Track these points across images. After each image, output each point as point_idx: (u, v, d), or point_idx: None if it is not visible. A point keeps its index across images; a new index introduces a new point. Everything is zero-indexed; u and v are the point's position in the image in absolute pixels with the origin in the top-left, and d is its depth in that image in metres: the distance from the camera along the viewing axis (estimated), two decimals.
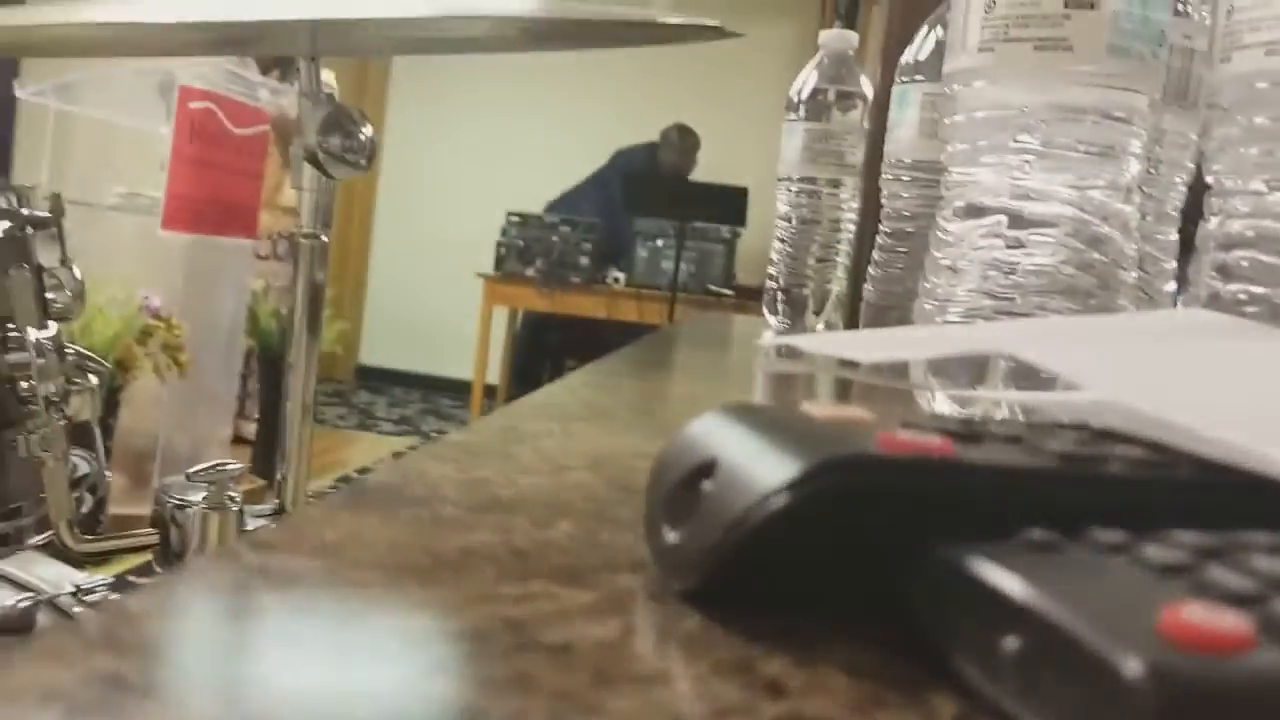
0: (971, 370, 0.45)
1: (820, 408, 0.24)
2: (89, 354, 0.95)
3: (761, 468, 0.21)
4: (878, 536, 0.21)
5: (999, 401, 0.42)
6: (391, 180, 6.28)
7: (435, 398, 6.24)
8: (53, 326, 0.92)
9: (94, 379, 0.96)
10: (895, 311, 0.83)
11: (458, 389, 5.91)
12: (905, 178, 0.85)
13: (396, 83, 6.37)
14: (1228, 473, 0.22)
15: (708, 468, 0.23)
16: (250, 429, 4.20)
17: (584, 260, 4.97)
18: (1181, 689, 0.15)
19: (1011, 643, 0.17)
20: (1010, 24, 0.50)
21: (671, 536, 0.23)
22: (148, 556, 0.98)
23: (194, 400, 3.57)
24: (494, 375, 5.45)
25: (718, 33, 0.91)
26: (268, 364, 4.00)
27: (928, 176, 0.83)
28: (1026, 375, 0.44)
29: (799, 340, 0.32)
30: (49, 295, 0.94)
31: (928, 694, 0.18)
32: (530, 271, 4.98)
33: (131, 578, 2.80)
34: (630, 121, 5.91)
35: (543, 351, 5.69)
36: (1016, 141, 0.50)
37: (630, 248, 5.06)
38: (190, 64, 3.32)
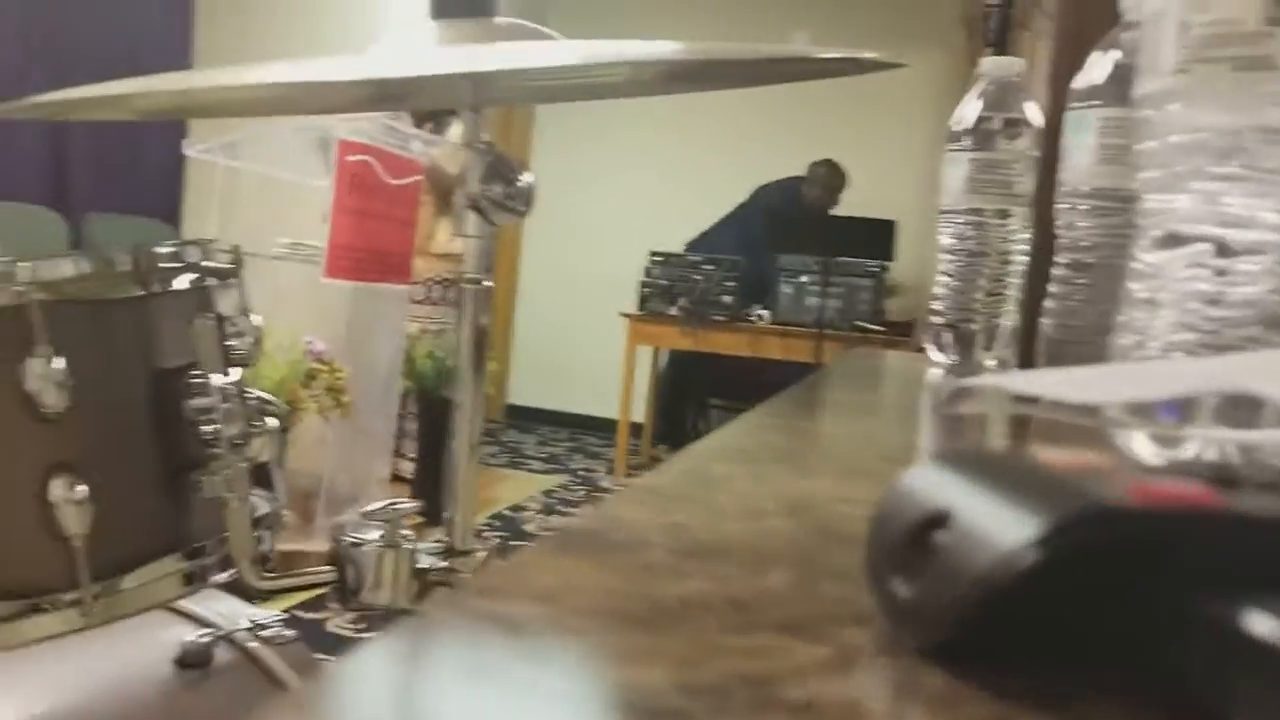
0: (1175, 408, 0.43)
1: (1055, 453, 0.23)
2: (268, 397, 0.98)
3: (1005, 520, 0.20)
4: (1133, 590, 0.20)
5: (1214, 441, 0.40)
6: (536, 223, 6.39)
7: (582, 436, 6.31)
8: (234, 372, 0.96)
9: (272, 421, 1.00)
10: (1076, 347, 0.80)
11: (603, 427, 5.97)
12: (1083, 206, 0.82)
13: (540, 127, 6.52)
14: None
15: (940, 519, 0.22)
16: (407, 467, 4.32)
17: (727, 298, 4.96)
18: None
19: None
20: (1208, 44, 0.48)
21: (903, 590, 0.22)
22: (315, 592, 1.01)
23: (355, 440, 3.69)
24: (639, 413, 5.48)
25: (876, 65, 0.90)
26: (424, 404, 4.11)
27: (1108, 204, 0.80)
28: (1238, 412, 0.41)
29: (994, 379, 0.31)
30: (230, 342, 0.98)
31: None
32: (673, 310, 5.00)
33: (301, 613, 2.89)
34: (769, 157, 5.91)
35: (687, 390, 5.71)
36: (1217, 166, 0.48)
37: (774, 284, 5.04)
38: (347, 118, 3.47)
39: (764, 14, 6.22)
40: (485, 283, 0.99)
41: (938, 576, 0.21)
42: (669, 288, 5.00)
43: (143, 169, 5.27)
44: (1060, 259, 0.83)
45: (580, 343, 6.35)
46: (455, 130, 4.31)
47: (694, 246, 5.47)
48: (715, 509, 0.32)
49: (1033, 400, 0.31)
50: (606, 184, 6.27)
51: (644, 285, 5.09)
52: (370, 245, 3.58)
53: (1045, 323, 0.83)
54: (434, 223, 4.32)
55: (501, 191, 0.96)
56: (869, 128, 6.06)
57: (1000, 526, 0.20)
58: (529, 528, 4.16)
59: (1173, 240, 0.50)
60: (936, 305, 1.03)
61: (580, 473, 5.35)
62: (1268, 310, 0.47)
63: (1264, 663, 0.17)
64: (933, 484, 0.23)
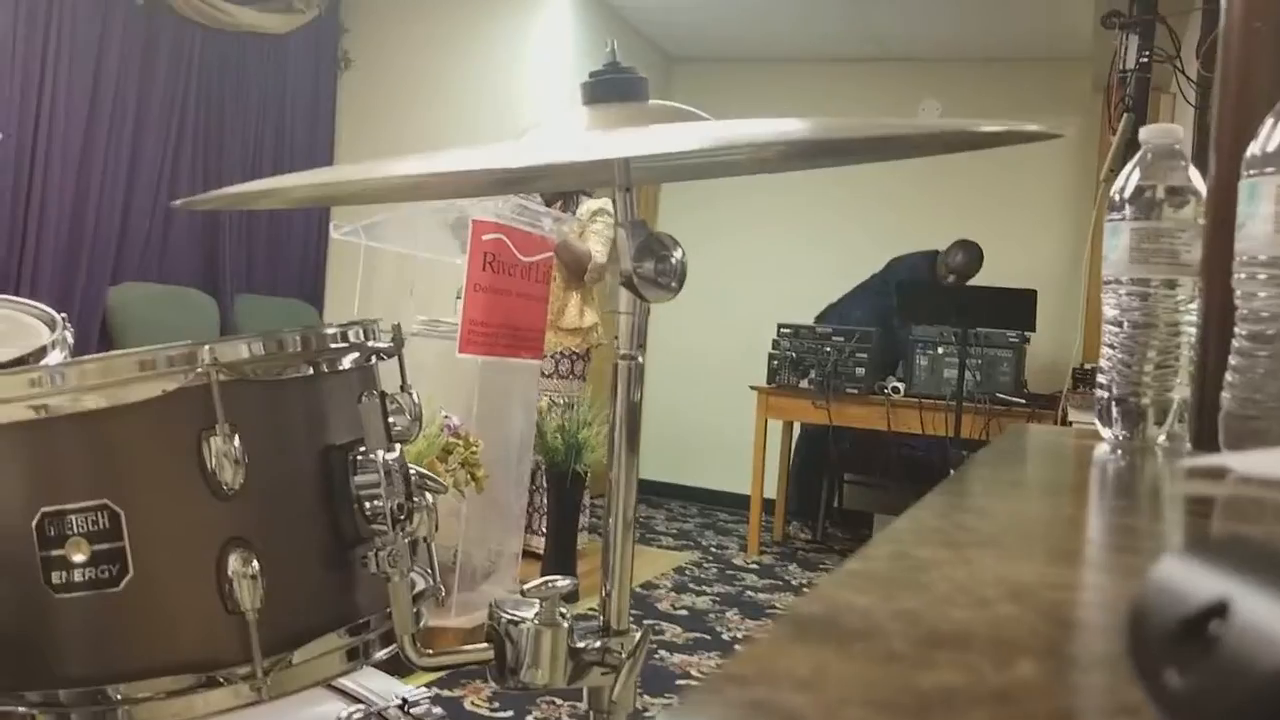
0: None
1: None
2: (428, 473, 1.00)
3: None
4: None
5: None
6: None
7: (712, 511, 6.27)
8: (397, 448, 0.98)
9: (430, 497, 1.02)
10: (1261, 422, 0.76)
11: (735, 502, 5.93)
12: (1261, 275, 0.79)
13: (665, 198, 6.60)
14: None
15: (1218, 609, 0.21)
16: (537, 543, 4.35)
17: (860, 370, 4.90)
18: None
19: None
20: None
21: (1179, 682, 0.21)
22: (453, 668, 1.01)
23: (489, 515, 3.74)
24: (771, 489, 5.42)
25: (1038, 136, 0.88)
26: (554, 479, 4.15)
27: None
28: None
29: (1226, 460, 0.30)
30: (391, 419, 1.01)
31: None
32: (805, 383, 4.96)
33: (441, 690, 2.90)
34: (901, 227, 5.87)
35: (821, 465, 5.62)
36: None
37: (909, 356, 4.96)
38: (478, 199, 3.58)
39: (894, 82, 6.22)
40: (639, 359, 1.00)
41: (1222, 669, 0.20)
42: (799, 360, 4.97)
43: (288, 252, 5.53)
44: (1240, 330, 0.80)
45: (710, 416, 6.34)
46: (585, 207, 4.40)
47: (823, 318, 5.44)
48: (938, 595, 0.32)
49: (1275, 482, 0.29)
50: (733, 255, 6.30)
51: (773, 358, 5.07)
52: (503, 321, 3.66)
53: (1226, 397, 0.80)
54: (564, 297, 4.40)
55: (654, 268, 0.97)
56: (1004, 196, 5.98)
57: None
58: (662, 605, 4.13)
59: None
60: (1102, 379, 1.00)
61: (712, 550, 5.30)
62: None
63: None
64: (1201, 573, 0.22)
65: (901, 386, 4.86)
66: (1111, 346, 1.00)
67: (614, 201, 1.01)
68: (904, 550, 0.39)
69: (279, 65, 5.39)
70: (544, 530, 4.32)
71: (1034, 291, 4.45)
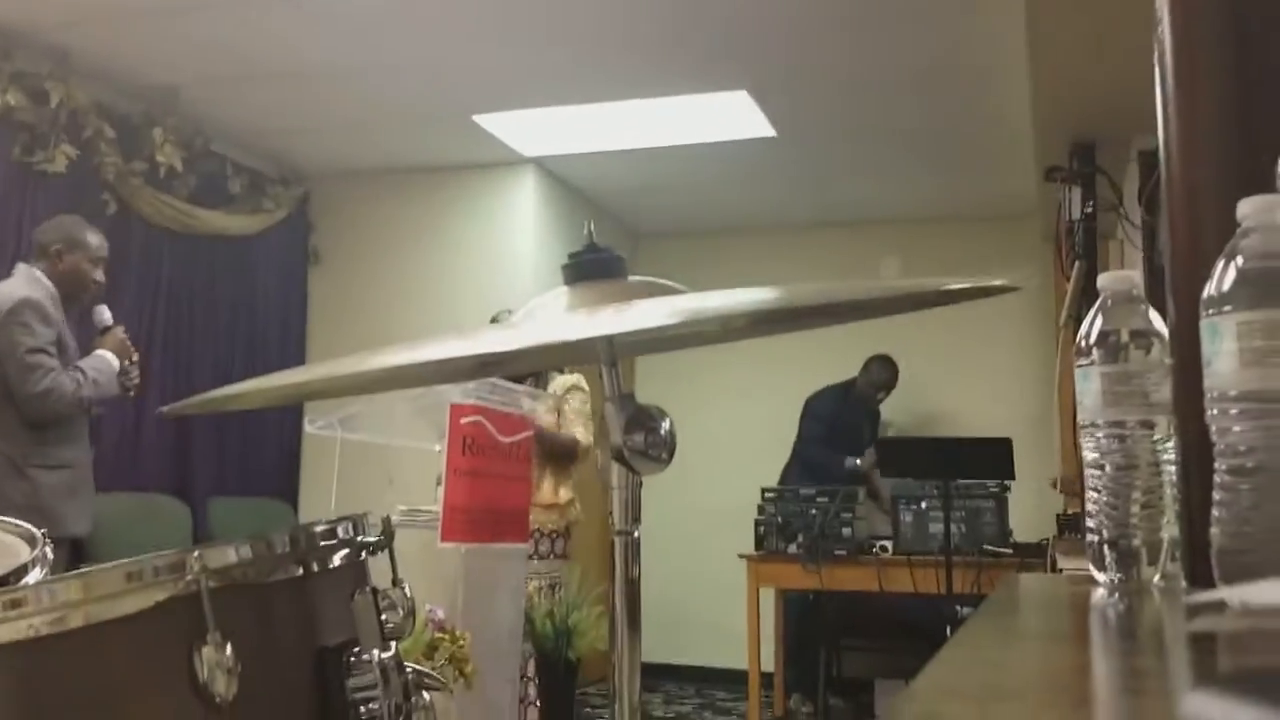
0: None
1: None
2: (425, 670, 0.98)
3: None
4: None
5: None
6: None
7: (709, 691, 6.10)
8: (392, 646, 0.96)
9: (428, 696, 0.99)
10: (1252, 554, 0.76)
11: (731, 679, 5.77)
12: (1233, 410, 0.80)
13: (641, 366, 6.65)
14: None
15: None
16: None
17: (846, 530, 4.87)
18: None
19: None
20: None
21: None
22: None
23: (478, 711, 3.61)
24: (767, 660, 5.29)
25: (1002, 289, 0.92)
26: (546, 669, 4.03)
27: (1260, 406, 0.78)
28: None
29: (1230, 594, 0.30)
30: (383, 616, 0.99)
31: None
32: (792, 548, 4.91)
33: None
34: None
35: (817, 632, 5.51)
36: None
37: (894, 512, 4.95)
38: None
39: (852, 244, 6.40)
40: (635, 534, 1.00)
41: None
42: (785, 524, 4.94)
43: (261, 450, 5.50)
44: (1220, 465, 0.81)
45: (701, 591, 6.24)
46: (557, 383, 4.43)
47: (782, 482, 5.58)
48: None
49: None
50: (711, 423, 6.32)
51: (759, 523, 5.03)
52: (485, 505, 3.62)
53: (1215, 532, 0.80)
54: (537, 475, 4.38)
55: (644, 440, 0.98)
56: (970, 350, 6.09)
57: None
58: None
59: None
60: (1091, 523, 1.01)
61: None
62: None
63: None
64: (1228, 709, 0.23)
65: (890, 544, 4.82)
66: (1096, 490, 1.01)
67: (602, 377, 1.02)
68: (930, 709, 0.39)
69: (248, 265, 5.49)
70: None
71: (1009, 440, 4.48)
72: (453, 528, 3.55)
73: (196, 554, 0.88)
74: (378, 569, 1.07)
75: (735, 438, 6.37)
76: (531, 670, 4.13)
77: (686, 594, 6.25)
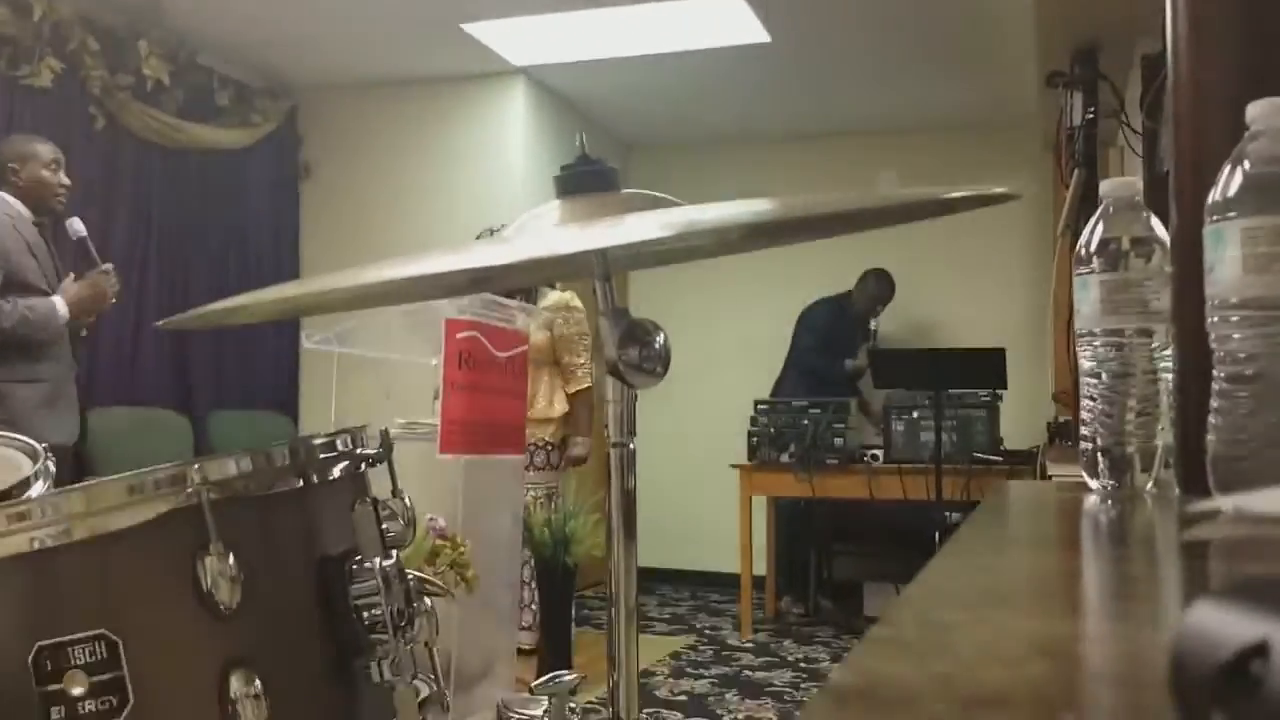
0: None
1: None
2: (426, 577, 1.00)
3: None
4: None
5: None
6: None
7: (704, 593, 6.20)
8: (393, 554, 0.97)
9: (430, 601, 1.01)
10: (1248, 462, 0.77)
11: (725, 583, 5.87)
12: (1234, 318, 0.80)
13: (635, 282, 6.63)
14: None
15: (1259, 649, 0.21)
16: (526, 638, 4.28)
17: (838, 440, 4.91)
18: None
19: None
20: None
21: None
22: None
23: (481, 615, 3.68)
24: (760, 566, 5.38)
25: (1002, 198, 0.91)
26: (544, 574, 4.10)
27: (1261, 313, 0.78)
28: None
29: (1233, 501, 0.30)
30: (384, 525, 1.00)
31: None
32: (784, 457, 4.96)
33: None
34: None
35: (808, 538, 5.61)
36: None
37: (885, 422, 4.98)
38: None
39: (849, 155, 6.34)
40: (630, 446, 1.00)
41: (1268, 708, 0.21)
42: (778, 435, 4.97)
43: (260, 364, 5.51)
44: (1219, 373, 0.81)
45: (695, 498, 6.31)
46: (548, 300, 4.42)
47: (775, 394, 5.60)
48: (967, 658, 0.32)
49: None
50: (706, 335, 6.32)
51: (752, 434, 5.07)
52: (482, 418, 3.64)
53: (1211, 440, 0.81)
54: (531, 387, 4.39)
55: (638, 355, 0.98)
56: (966, 259, 6.06)
57: None
58: (661, 693, 4.07)
59: None
60: (1085, 431, 1.01)
61: (707, 632, 5.25)
62: None
63: None
64: (1236, 615, 0.23)
65: (881, 454, 4.87)
66: (1092, 398, 1.01)
67: (595, 292, 1.01)
68: (925, 615, 0.39)
69: (240, 180, 5.44)
70: (533, 626, 4.26)
71: (1002, 350, 4.49)
72: (452, 440, 3.58)
73: (197, 466, 0.89)
74: (378, 481, 1.08)
75: (730, 351, 6.38)
76: (530, 576, 4.20)
77: (681, 502, 6.32)
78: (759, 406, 5.14)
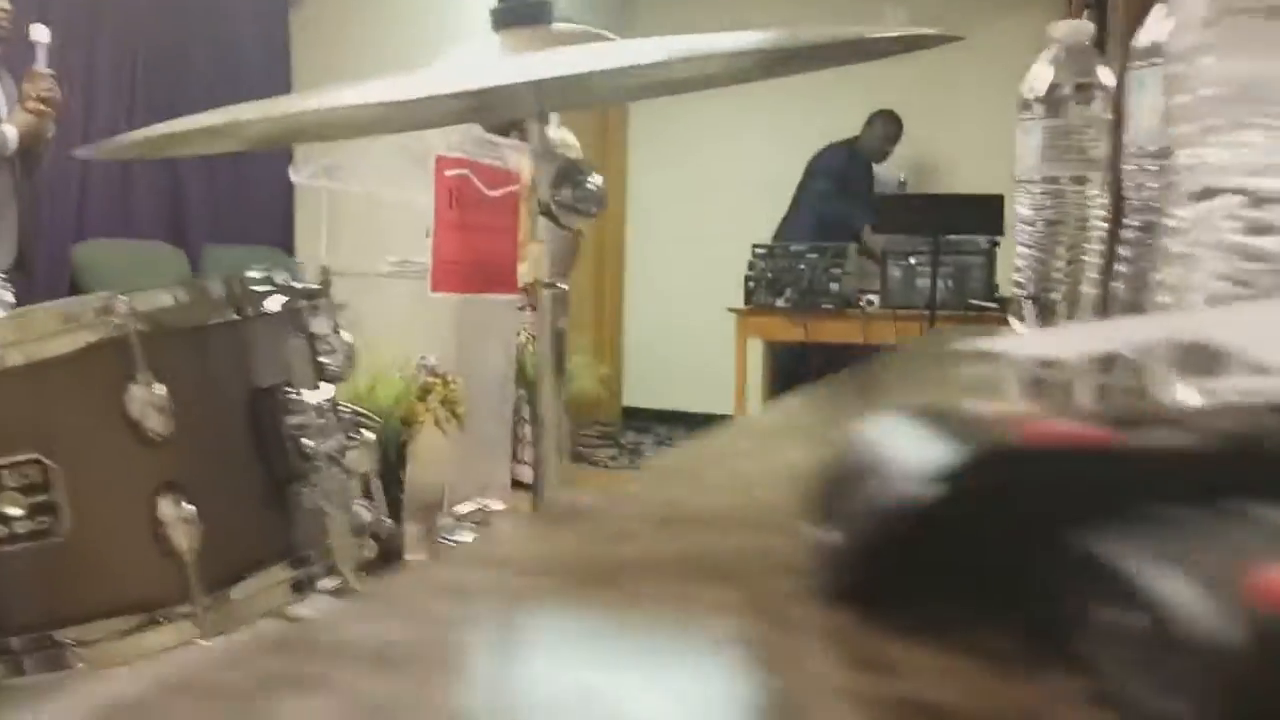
0: (1202, 360, 0.42)
1: (986, 405, 0.23)
2: (364, 412, 1.02)
3: (906, 467, 0.21)
4: (1023, 526, 0.20)
5: (1234, 390, 0.39)
6: (638, 226, 6.47)
7: (699, 434, 6.32)
8: (327, 388, 1.00)
9: (369, 434, 1.04)
10: (1151, 309, 0.78)
11: (717, 424, 5.97)
12: (1150, 166, 0.80)
13: (635, 128, 6.53)
14: None
15: (867, 469, 0.23)
16: (525, 472, 4.39)
17: (834, 286, 4.91)
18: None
19: (1120, 619, 0.17)
20: None
21: (828, 537, 0.23)
22: None
23: (473, 450, 3.77)
24: (755, 408, 5.46)
25: (938, 40, 0.89)
26: (537, 410, 4.18)
27: None
28: (1200, 362, 0.40)
29: (994, 342, 0.31)
30: (322, 360, 1.03)
31: (1048, 675, 0.18)
32: (781, 302, 4.97)
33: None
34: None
35: (802, 381, 5.66)
36: (1247, 116, 0.47)
37: (882, 268, 4.97)
38: (443, 134, 3.54)
39: None
40: (561, 286, 1.01)
41: (855, 522, 0.22)
42: (775, 279, 4.98)
43: (254, 198, 5.47)
44: (1131, 221, 0.81)
45: (690, 341, 6.35)
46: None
47: (779, 237, 5.54)
48: (710, 484, 0.34)
49: (1028, 358, 0.31)
50: (705, 180, 6.26)
51: (749, 279, 5.07)
52: (474, 257, 3.64)
53: (1117, 286, 0.81)
54: (528, 229, 4.37)
55: (571, 195, 0.98)
56: (969, 102, 5.93)
57: (902, 473, 0.21)
58: None
59: (1207, 194, 0.49)
60: (1018, 277, 1.02)
61: None
62: None
63: (1090, 580, 0.18)
64: (873, 438, 0.24)
65: (876, 299, 4.87)
66: (1026, 245, 1.02)
67: (530, 129, 1.01)
68: (727, 443, 0.41)
69: (226, 12, 5.30)
70: (529, 459, 4.35)
71: (1000, 196, 4.44)
72: (443, 279, 3.58)
73: (126, 298, 0.90)
74: (363, 322, 1.09)
75: (732, 196, 6.32)
76: (525, 411, 4.28)
77: (680, 346, 6.37)
78: (756, 250, 5.13)
